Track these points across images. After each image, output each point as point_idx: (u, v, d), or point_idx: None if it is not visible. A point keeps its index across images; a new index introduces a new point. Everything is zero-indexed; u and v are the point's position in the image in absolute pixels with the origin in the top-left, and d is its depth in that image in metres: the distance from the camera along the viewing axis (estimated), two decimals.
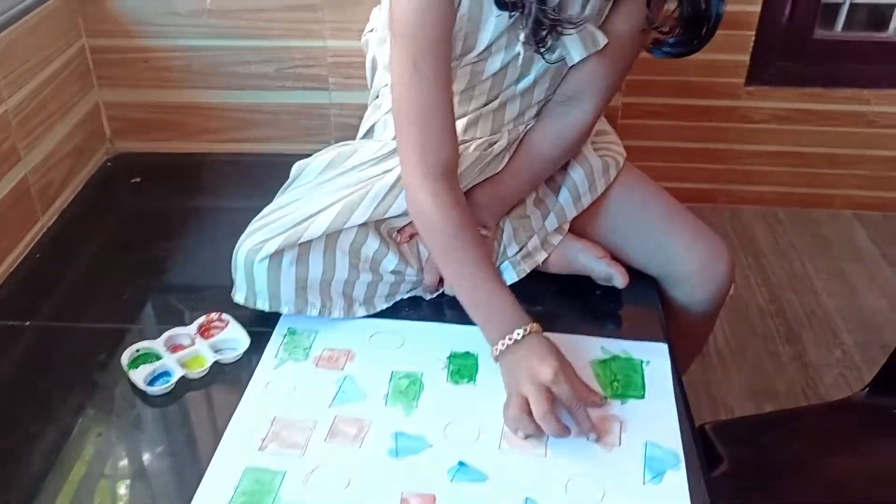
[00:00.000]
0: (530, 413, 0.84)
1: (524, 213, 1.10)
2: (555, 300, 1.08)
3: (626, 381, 0.95)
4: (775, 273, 2.16)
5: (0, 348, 1.03)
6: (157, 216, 1.32)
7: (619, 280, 1.07)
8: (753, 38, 2.12)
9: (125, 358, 0.98)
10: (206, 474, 0.84)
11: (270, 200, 1.10)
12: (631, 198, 1.13)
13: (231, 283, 1.03)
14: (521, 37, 0.93)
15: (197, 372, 0.97)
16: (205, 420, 0.93)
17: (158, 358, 0.98)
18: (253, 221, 1.03)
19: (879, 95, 2.19)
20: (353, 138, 1.18)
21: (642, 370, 0.96)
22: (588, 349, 0.99)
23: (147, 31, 1.36)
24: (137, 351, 0.99)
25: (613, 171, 1.13)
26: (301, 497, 0.81)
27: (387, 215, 1.01)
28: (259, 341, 1.01)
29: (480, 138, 1.05)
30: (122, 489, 0.85)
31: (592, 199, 1.11)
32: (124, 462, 0.88)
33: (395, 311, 1.06)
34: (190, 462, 0.87)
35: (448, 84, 0.94)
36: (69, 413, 0.93)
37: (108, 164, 1.45)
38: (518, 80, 1.03)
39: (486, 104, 1.05)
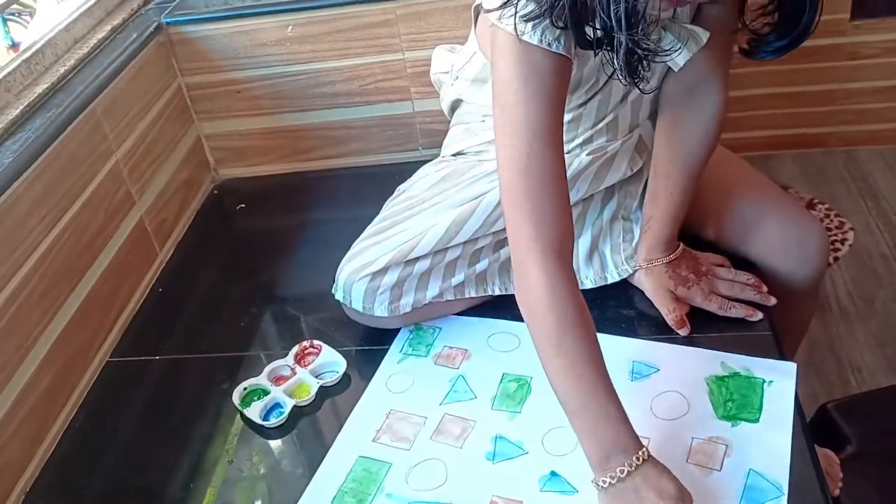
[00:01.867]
0: None
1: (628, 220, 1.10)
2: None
3: (741, 402, 0.91)
4: None
5: (134, 382, 1.12)
6: (264, 238, 1.38)
7: (671, 323, 1.02)
8: None
9: (236, 398, 1.03)
10: (325, 459, 0.92)
11: (368, 210, 1.15)
12: (715, 177, 1.08)
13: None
14: (611, 71, 0.80)
15: (305, 399, 1.01)
16: (319, 441, 0.98)
17: (266, 392, 1.04)
18: (354, 244, 1.08)
19: None
20: (439, 144, 1.21)
21: (762, 391, 0.92)
22: (706, 363, 0.95)
23: (235, 63, 1.42)
24: (245, 389, 1.04)
25: None
26: (401, 490, 0.87)
27: (494, 228, 1.03)
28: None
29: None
30: (259, 494, 0.93)
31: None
32: (256, 481, 0.94)
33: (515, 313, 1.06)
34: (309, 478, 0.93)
35: (562, 155, 0.86)
36: (199, 442, 1.00)
37: (215, 191, 1.53)
38: (623, 98, 1.01)
39: (595, 125, 1.04)
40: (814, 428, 0.92)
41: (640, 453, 0.77)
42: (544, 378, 0.93)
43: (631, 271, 1.07)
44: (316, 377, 1.04)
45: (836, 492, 1.03)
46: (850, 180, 2.17)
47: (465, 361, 1.02)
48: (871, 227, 2.03)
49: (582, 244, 1.08)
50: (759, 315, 1.00)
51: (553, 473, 0.87)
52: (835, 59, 2.15)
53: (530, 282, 0.83)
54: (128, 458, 1.00)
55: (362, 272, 1.02)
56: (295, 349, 1.08)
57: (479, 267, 1.06)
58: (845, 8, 2.06)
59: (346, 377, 1.04)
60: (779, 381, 0.93)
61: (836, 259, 1.94)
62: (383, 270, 1.02)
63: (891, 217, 2.05)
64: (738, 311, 1.00)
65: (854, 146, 2.29)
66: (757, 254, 1.08)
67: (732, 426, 0.88)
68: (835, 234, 2.00)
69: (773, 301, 1.01)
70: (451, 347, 1.04)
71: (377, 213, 1.14)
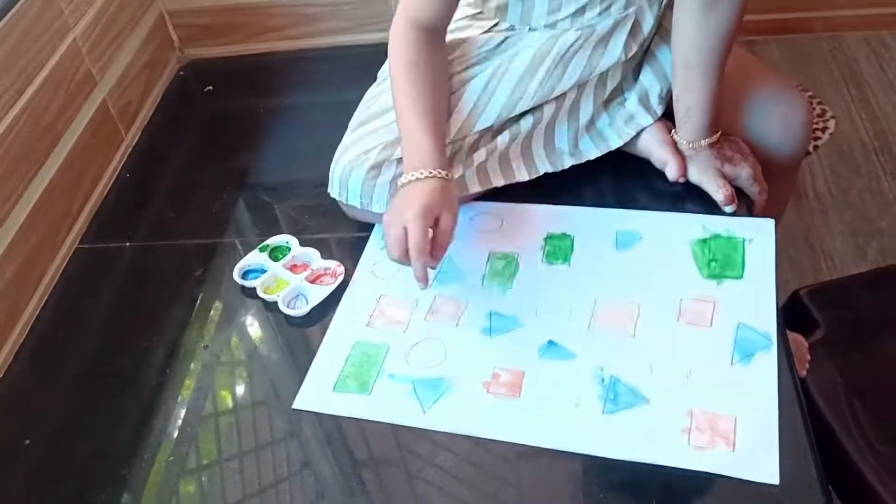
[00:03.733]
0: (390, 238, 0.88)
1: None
2: (644, 174, 1.06)
3: (724, 261, 0.93)
4: (881, 105, 2.03)
5: (104, 270, 1.09)
6: (235, 121, 1.33)
7: (673, 172, 1.02)
8: None
9: (270, 240, 1.04)
10: (320, 347, 0.91)
11: (345, 95, 1.10)
12: None
13: (321, 179, 1.03)
14: None
15: (269, 296, 0.99)
16: (302, 334, 0.96)
17: (286, 254, 1.04)
18: (347, 133, 1.03)
19: None
20: None
21: (743, 249, 0.94)
22: (688, 227, 0.98)
23: None
24: (287, 242, 1.05)
25: None
26: (402, 369, 0.88)
27: (517, 110, 1.01)
28: None
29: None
30: (239, 379, 0.93)
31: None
32: (235, 366, 0.94)
33: (494, 193, 1.05)
34: (297, 356, 0.92)
35: None
36: (175, 327, 0.98)
37: (181, 73, 1.46)
38: None
39: None
40: (785, 313, 0.93)
41: (424, 172, 0.89)
42: (532, 254, 0.98)
43: (633, 133, 1.06)
44: (295, 296, 1.00)
45: (804, 373, 1.05)
46: (834, 67, 2.13)
47: (451, 243, 0.99)
48: (852, 116, 2.01)
49: (580, 126, 1.06)
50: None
51: (550, 342, 0.88)
52: None
53: (392, 40, 0.99)
54: (102, 344, 0.98)
55: (358, 163, 0.98)
56: (326, 263, 1.02)
57: (478, 158, 1.02)
58: None
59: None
60: (758, 239, 0.95)
61: (815, 148, 1.93)
62: (381, 163, 0.98)
63: (873, 105, 2.03)
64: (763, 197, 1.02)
65: (841, 31, 2.25)
66: (742, 129, 1.06)
67: (718, 284, 0.91)
68: (816, 123, 1.98)
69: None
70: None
71: (356, 99, 1.08)
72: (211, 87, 1.39)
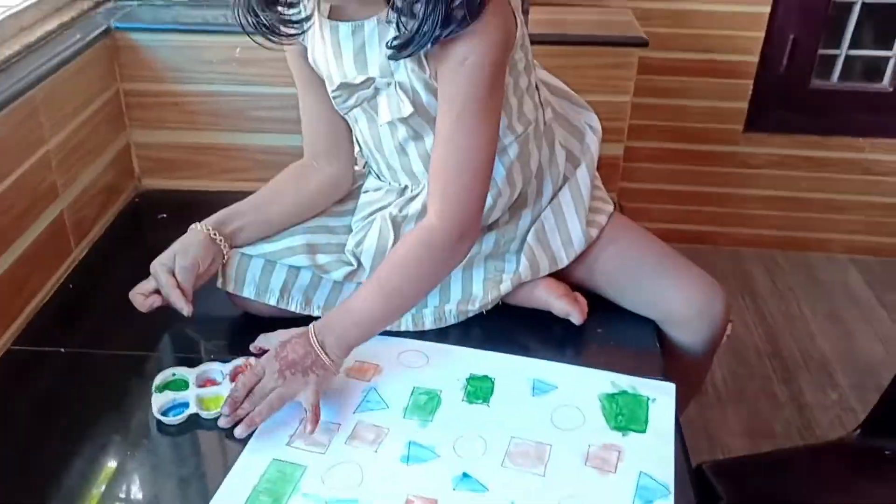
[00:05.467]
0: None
1: (501, 261, 1.17)
2: (563, 329, 1.15)
3: (630, 416, 1.00)
4: (772, 315, 2.22)
5: (37, 373, 1.10)
6: None
7: (576, 317, 1.14)
8: (752, 87, 2.20)
9: (158, 379, 1.04)
10: (237, 460, 0.93)
11: None
12: (624, 247, 1.17)
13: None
14: None
15: (210, 413, 1.00)
16: (223, 450, 0.98)
17: (186, 387, 1.04)
18: None
19: (874, 144, 2.27)
20: None
21: (647, 406, 1.02)
22: (598, 381, 1.05)
23: (178, 76, 1.44)
24: (174, 375, 1.05)
25: (595, 230, 1.17)
26: (317, 489, 0.90)
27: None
28: None
29: None
30: (155, 485, 0.93)
31: (570, 259, 1.16)
32: (155, 475, 0.94)
33: (424, 333, 1.13)
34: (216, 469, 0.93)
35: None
36: (99, 436, 0.98)
37: (136, 200, 1.53)
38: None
39: None
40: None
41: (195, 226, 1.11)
42: (453, 391, 1.04)
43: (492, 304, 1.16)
44: None
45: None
46: (732, 278, 2.33)
47: (377, 375, 1.06)
48: (747, 323, 2.18)
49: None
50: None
51: (465, 474, 0.92)
52: (728, 164, 2.33)
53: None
54: (20, 445, 0.98)
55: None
56: (238, 361, 1.07)
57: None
58: (740, 120, 2.26)
59: None
60: (661, 399, 1.03)
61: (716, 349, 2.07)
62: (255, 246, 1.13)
63: (766, 315, 2.21)
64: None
65: (739, 247, 2.48)
66: (663, 317, 1.16)
67: (623, 435, 0.98)
68: None
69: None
70: (362, 362, 1.08)
71: None
72: (164, 215, 1.46)
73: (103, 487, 0.91)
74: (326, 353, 0.97)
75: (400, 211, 1.13)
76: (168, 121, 1.49)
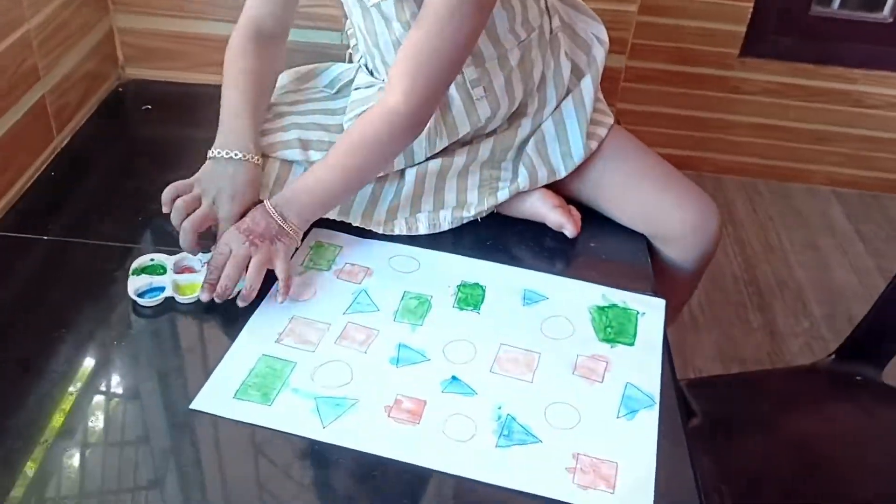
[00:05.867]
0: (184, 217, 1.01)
1: (497, 169, 1.15)
2: (555, 241, 1.15)
3: (619, 329, 1.01)
4: (751, 243, 2.24)
5: (18, 260, 1.07)
6: (165, 145, 1.35)
7: (570, 229, 1.13)
8: (751, 9, 2.17)
9: (135, 263, 1.02)
10: (225, 356, 0.93)
11: None
12: (622, 160, 1.17)
13: None
14: None
15: (186, 298, 1.00)
16: (211, 338, 0.98)
17: (163, 272, 1.02)
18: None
19: (868, 76, 2.26)
20: None
21: (636, 320, 1.02)
22: (589, 294, 1.06)
23: None
24: (152, 260, 1.03)
25: (595, 143, 1.16)
26: (306, 386, 0.90)
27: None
28: None
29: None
30: (142, 374, 0.92)
31: (569, 170, 1.15)
32: (138, 365, 0.93)
33: (415, 239, 1.12)
34: (204, 361, 0.93)
35: None
36: (83, 323, 0.97)
37: (120, 89, 1.48)
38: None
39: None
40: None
41: (238, 154, 1.04)
42: (444, 297, 1.04)
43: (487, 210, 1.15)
44: None
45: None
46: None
47: (367, 278, 1.05)
48: (727, 250, 2.20)
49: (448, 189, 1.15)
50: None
51: (454, 378, 0.93)
52: (720, 89, 2.31)
53: (232, 41, 1.14)
54: (6, 330, 0.96)
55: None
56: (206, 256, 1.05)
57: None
58: (737, 44, 2.23)
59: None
60: (650, 314, 1.04)
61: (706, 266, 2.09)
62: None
63: (745, 243, 2.24)
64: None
65: (723, 174, 2.48)
66: (657, 232, 1.17)
67: (612, 347, 0.99)
68: None
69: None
70: (352, 265, 1.07)
71: None
72: (149, 107, 1.42)
73: (85, 377, 0.91)
74: (288, 224, 0.99)
75: None
76: (153, 6, 1.43)
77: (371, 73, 1.15)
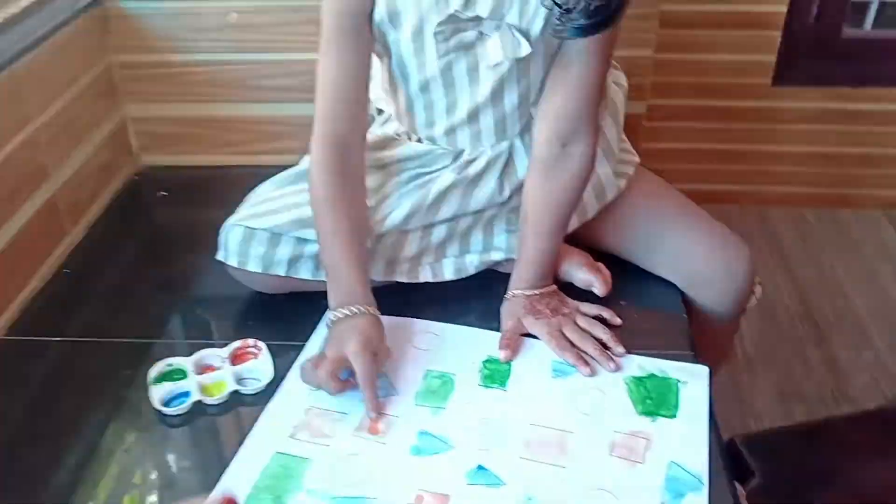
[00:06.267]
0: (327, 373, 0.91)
1: None
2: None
3: (659, 400, 0.94)
4: (803, 275, 2.14)
5: (31, 363, 1.05)
6: (184, 229, 1.34)
7: (600, 288, 1.07)
8: (780, 38, 2.11)
9: (153, 371, 0.99)
10: (237, 454, 0.88)
11: None
12: (647, 204, 1.13)
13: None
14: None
15: (214, 398, 0.96)
16: (218, 443, 0.94)
17: (184, 376, 0.99)
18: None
19: None
20: None
21: (677, 390, 0.95)
22: (624, 366, 0.99)
23: (174, 46, 1.38)
24: (169, 366, 1.00)
25: (623, 182, 1.13)
26: (322, 485, 0.84)
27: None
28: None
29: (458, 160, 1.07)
30: (152, 480, 0.89)
31: (595, 212, 1.11)
32: (150, 475, 0.89)
33: (438, 314, 1.07)
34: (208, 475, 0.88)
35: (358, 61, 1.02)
36: (96, 428, 0.94)
37: (135, 178, 1.47)
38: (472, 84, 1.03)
39: (450, 110, 1.05)
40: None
41: (356, 309, 0.94)
42: (468, 374, 0.98)
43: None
44: (238, 381, 0.99)
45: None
46: (760, 238, 2.25)
47: (387, 359, 0.99)
48: (777, 284, 2.11)
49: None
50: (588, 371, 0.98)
51: (480, 467, 0.86)
52: (755, 120, 2.25)
53: (313, 156, 1.02)
54: (15, 440, 0.94)
55: (240, 220, 1.05)
56: (236, 344, 1.03)
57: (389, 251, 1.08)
58: (768, 74, 2.17)
59: (267, 391, 0.98)
60: (692, 383, 0.96)
61: (743, 310, 2.01)
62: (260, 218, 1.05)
63: (797, 275, 2.14)
64: (569, 358, 0.99)
65: (766, 206, 2.39)
66: (688, 278, 1.11)
67: (652, 421, 0.91)
68: None
69: (612, 367, 0.98)
70: None
71: None
72: (165, 193, 1.41)
73: (100, 483, 0.87)
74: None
75: (459, 174, 1.07)
76: (164, 94, 1.43)
77: (430, 142, 1.10)
